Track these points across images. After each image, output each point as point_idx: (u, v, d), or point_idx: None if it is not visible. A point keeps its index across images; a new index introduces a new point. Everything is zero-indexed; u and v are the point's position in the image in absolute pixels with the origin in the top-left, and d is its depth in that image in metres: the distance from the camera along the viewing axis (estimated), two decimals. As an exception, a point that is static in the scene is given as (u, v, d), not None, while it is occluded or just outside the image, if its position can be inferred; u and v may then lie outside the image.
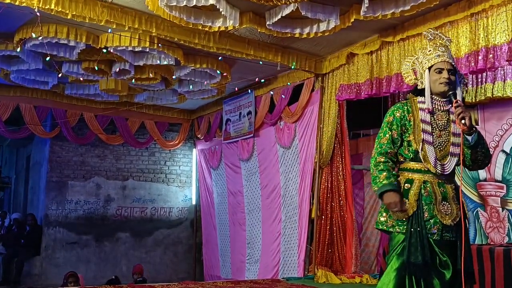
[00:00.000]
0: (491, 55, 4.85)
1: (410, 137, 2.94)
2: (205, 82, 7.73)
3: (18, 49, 6.28)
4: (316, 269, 6.63)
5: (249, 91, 8.50)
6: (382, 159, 2.94)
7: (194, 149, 11.03)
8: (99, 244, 10.12)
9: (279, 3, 4.96)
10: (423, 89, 3.00)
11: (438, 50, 3.00)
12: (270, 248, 7.98)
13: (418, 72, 3.05)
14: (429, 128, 2.91)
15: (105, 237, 10.17)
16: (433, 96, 2.96)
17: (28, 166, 12.25)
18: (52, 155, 9.84)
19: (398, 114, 2.99)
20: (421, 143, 2.89)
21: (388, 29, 5.91)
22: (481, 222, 5.60)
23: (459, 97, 2.92)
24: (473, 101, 5.45)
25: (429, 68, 2.96)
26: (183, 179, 11.09)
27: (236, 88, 8.50)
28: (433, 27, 5.40)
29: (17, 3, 4.92)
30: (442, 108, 2.96)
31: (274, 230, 7.93)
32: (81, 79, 7.56)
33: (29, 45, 6.20)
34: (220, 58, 6.88)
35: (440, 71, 2.93)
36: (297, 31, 5.68)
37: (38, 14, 5.23)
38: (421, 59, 3.04)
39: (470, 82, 5.48)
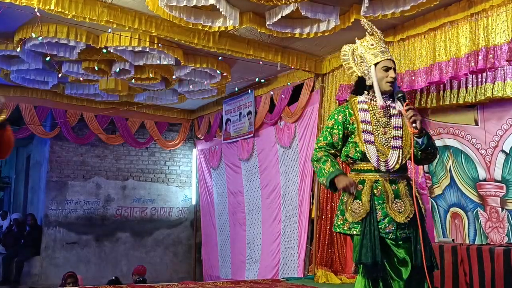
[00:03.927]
0: (491, 55, 4.85)
1: (355, 138, 2.92)
2: (205, 82, 7.74)
3: (18, 49, 6.28)
4: (316, 269, 6.64)
5: (249, 91, 8.50)
6: (323, 153, 2.94)
7: (194, 149, 11.04)
8: (99, 244, 10.13)
9: (279, 3, 4.96)
10: (362, 86, 2.98)
11: (381, 46, 3.00)
12: (270, 248, 7.98)
13: (358, 64, 3.01)
14: (369, 127, 2.90)
15: (105, 237, 10.18)
16: (374, 94, 2.94)
17: (28, 166, 12.25)
18: (52, 155, 9.85)
19: (340, 118, 2.96)
20: (364, 144, 2.87)
21: (388, 29, 5.91)
22: (480, 222, 5.60)
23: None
24: (473, 101, 5.45)
25: (375, 65, 2.93)
26: (183, 179, 11.09)
27: (236, 88, 8.51)
28: (433, 27, 5.41)
29: (17, 3, 4.92)
30: (385, 104, 2.94)
31: (274, 230, 7.93)
32: (81, 79, 7.57)
33: (29, 45, 6.21)
34: (220, 58, 6.88)
35: (387, 69, 2.93)
36: (297, 31, 5.68)
37: (38, 14, 5.24)
38: (362, 53, 2.99)
39: (470, 82, 5.48)
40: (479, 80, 5.40)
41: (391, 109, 2.95)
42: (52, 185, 9.81)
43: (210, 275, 9.87)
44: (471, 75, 5.34)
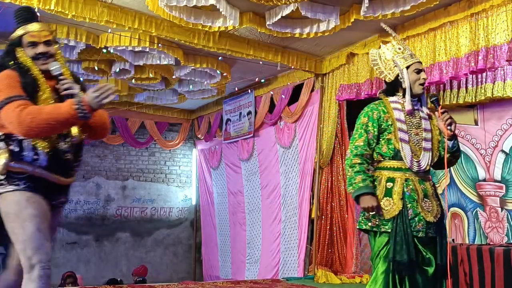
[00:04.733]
0: (491, 55, 4.85)
1: (389, 135, 2.95)
2: (205, 82, 7.74)
3: (18, 49, 6.27)
4: (316, 269, 6.64)
5: (249, 91, 8.50)
6: (358, 161, 2.93)
7: (194, 149, 11.03)
8: (99, 244, 10.12)
9: (279, 3, 4.96)
10: (396, 88, 3.04)
11: (408, 49, 3.09)
12: (270, 248, 7.98)
13: (388, 68, 3.07)
14: (404, 127, 2.96)
15: (105, 237, 10.17)
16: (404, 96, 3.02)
17: (28, 166, 12.24)
18: (52, 155, 9.83)
19: (374, 115, 2.99)
20: (400, 142, 2.92)
21: (388, 29, 5.91)
22: (480, 222, 5.60)
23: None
24: (473, 101, 5.45)
25: (406, 68, 3.00)
26: (183, 179, 11.08)
27: (236, 88, 8.50)
28: (433, 27, 5.41)
29: (17, 3, 4.92)
30: (414, 107, 3.03)
31: (274, 230, 7.93)
32: (81, 79, 7.56)
33: (29, 45, 6.20)
34: (220, 58, 6.88)
35: (418, 71, 3.00)
36: (297, 31, 5.68)
37: (38, 14, 5.22)
38: (392, 57, 3.05)
39: (470, 82, 5.48)
40: (479, 80, 5.40)
41: (420, 113, 3.03)
42: (52, 185, 9.79)
43: (210, 275, 9.87)
44: (471, 75, 5.34)
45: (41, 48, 2.57)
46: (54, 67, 2.55)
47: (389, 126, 2.95)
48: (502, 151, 5.48)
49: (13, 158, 2.42)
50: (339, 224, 6.87)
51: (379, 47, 3.22)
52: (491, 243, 5.34)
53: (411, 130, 2.96)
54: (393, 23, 5.71)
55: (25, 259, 2.42)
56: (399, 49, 3.06)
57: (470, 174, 5.74)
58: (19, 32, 2.65)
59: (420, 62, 3.06)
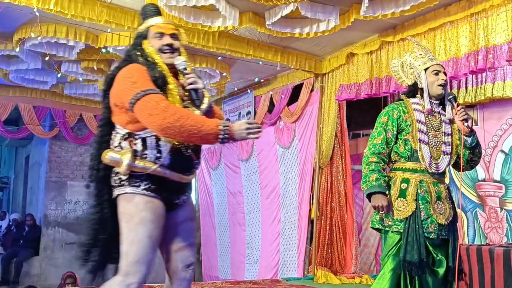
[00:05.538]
0: (491, 55, 4.85)
1: (407, 136, 2.99)
2: (205, 82, 7.73)
3: (17, 49, 6.27)
4: (315, 270, 6.63)
5: (249, 91, 8.50)
6: (375, 159, 2.97)
7: (193, 149, 11.01)
8: (98, 244, 10.09)
9: (279, 3, 4.96)
10: (416, 90, 3.09)
11: (429, 54, 3.13)
12: (270, 249, 7.97)
13: (409, 73, 3.14)
14: (424, 128, 2.99)
15: (105, 237, 10.14)
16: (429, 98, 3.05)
17: (27, 166, 12.24)
18: (51, 155, 9.83)
19: (394, 115, 3.03)
20: (418, 143, 2.94)
21: (388, 29, 5.91)
22: (479, 222, 5.60)
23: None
24: (473, 101, 5.45)
25: (425, 70, 3.04)
26: (182, 179, 11.05)
27: (236, 88, 8.50)
28: (433, 27, 5.41)
29: (16, 3, 4.91)
30: (435, 109, 3.06)
31: (274, 230, 7.92)
32: (80, 78, 7.55)
33: (28, 45, 6.19)
34: (219, 58, 6.87)
35: (437, 73, 3.03)
36: (297, 31, 5.68)
37: (37, 14, 5.23)
38: (412, 61, 3.12)
39: (470, 82, 5.48)
40: (479, 80, 5.40)
41: (441, 116, 3.05)
42: (51, 185, 9.79)
43: (209, 276, 9.85)
44: (471, 75, 5.34)
45: (167, 40, 2.54)
46: (180, 61, 2.53)
47: (408, 126, 2.99)
48: (502, 151, 5.48)
49: (136, 157, 2.36)
50: (339, 224, 6.87)
51: (404, 53, 3.31)
52: (490, 243, 5.34)
53: (430, 132, 2.99)
54: (393, 23, 5.71)
55: (125, 262, 2.39)
56: (420, 54, 3.12)
57: (469, 174, 5.74)
58: (145, 24, 2.65)
59: (440, 65, 3.09)
